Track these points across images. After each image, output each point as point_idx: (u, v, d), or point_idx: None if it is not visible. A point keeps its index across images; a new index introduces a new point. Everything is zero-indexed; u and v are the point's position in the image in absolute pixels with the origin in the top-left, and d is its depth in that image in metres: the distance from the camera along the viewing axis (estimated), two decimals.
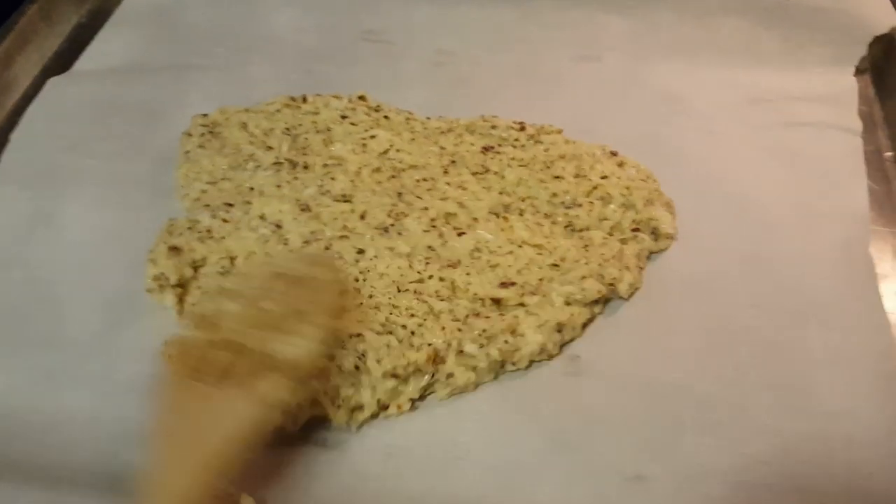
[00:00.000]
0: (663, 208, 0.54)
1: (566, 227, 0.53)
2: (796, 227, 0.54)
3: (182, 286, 0.50)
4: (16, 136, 0.60)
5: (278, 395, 0.41)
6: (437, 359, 0.45)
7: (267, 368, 0.41)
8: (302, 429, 0.44)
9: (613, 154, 0.57)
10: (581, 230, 0.53)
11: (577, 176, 0.55)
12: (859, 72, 0.65)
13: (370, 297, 0.48)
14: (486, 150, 0.57)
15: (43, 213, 0.55)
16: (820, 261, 0.52)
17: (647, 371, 0.47)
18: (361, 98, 0.61)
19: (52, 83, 0.65)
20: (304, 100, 0.61)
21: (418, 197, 0.54)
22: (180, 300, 0.49)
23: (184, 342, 0.44)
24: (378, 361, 0.44)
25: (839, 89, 0.63)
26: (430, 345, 0.45)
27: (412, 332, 0.46)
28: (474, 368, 0.46)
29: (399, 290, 0.48)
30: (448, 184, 0.55)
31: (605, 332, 0.49)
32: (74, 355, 0.48)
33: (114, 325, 0.49)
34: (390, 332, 0.46)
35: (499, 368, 0.47)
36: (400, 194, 0.54)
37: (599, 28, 0.68)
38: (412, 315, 0.47)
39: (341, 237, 0.52)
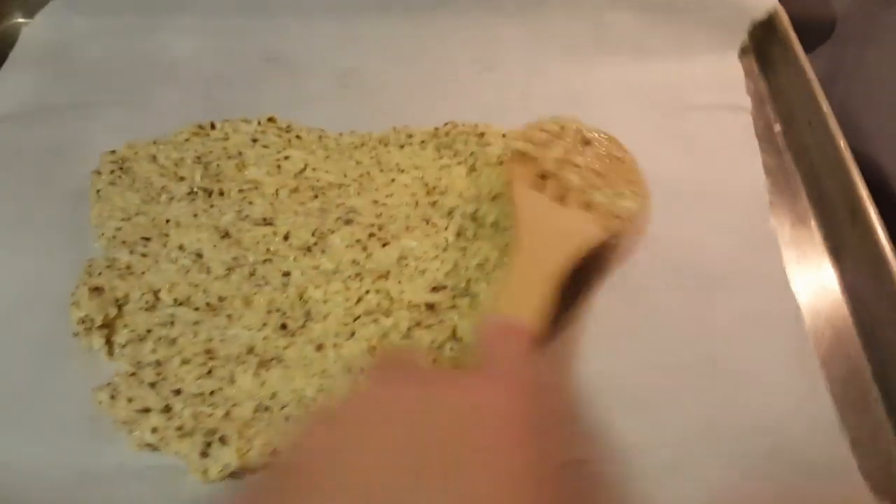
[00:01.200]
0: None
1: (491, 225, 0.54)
2: (698, 207, 0.57)
3: (108, 326, 0.49)
4: None
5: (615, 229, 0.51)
6: None
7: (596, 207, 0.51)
8: None
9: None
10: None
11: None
12: (744, 53, 0.69)
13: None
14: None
15: None
16: (723, 236, 0.55)
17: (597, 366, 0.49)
18: (271, 120, 0.62)
19: None
20: (213, 126, 0.61)
21: (338, 215, 0.55)
22: (108, 340, 0.49)
23: (524, 151, 0.53)
24: None
25: (725, 71, 0.67)
26: None
27: None
28: None
29: (345, 325, 0.49)
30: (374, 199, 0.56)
31: None
32: (5, 405, 0.47)
33: (42, 370, 0.49)
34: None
35: None
36: (322, 211, 0.55)
37: (495, 35, 0.70)
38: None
39: (265, 261, 0.52)
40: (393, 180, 0.57)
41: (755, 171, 0.59)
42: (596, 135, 0.56)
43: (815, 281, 0.54)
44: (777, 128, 0.64)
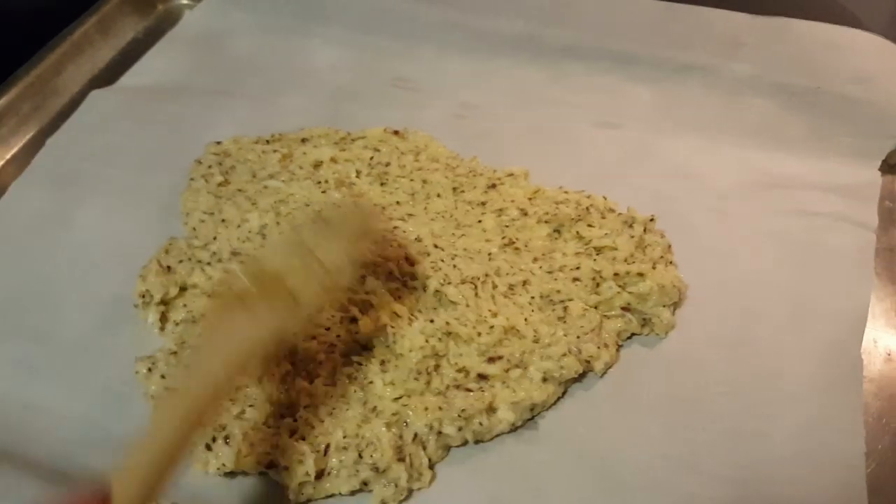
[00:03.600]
0: (665, 301, 0.52)
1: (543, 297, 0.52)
2: (789, 319, 0.53)
3: (166, 304, 0.52)
4: (51, 141, 0.64)
5: (278, 314, 0.41)
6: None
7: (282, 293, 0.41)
8: None
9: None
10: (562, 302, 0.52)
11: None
12: (889, 167, 0.64)
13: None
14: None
15: (58, 216, 0.59)
16: (805, 355, 0.51)
17: (603, 447, 0.47)
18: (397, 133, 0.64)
19: (94, 95, 0.68)
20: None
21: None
22: (163, 317, 0.52)
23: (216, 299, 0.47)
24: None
25: (860, 182, 0.61)
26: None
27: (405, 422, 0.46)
28: (446, 447, 0.47)
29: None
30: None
31: (569, 401, 0.49)
32: (57, 353, 0.51)
33: (100, 330, 0.52)
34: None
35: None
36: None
37: (625, 97, 0.68)
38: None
39: None
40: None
41: (862, 295, 0.54)
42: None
43: (894, 420, 0.49)
44: None
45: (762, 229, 0.58)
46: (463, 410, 0.46)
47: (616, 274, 0.52)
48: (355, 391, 0.47)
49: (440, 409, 0.46)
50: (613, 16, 0.69)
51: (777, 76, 0.67)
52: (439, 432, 0.46)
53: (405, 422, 0.46)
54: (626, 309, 0.52)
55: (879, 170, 0.63)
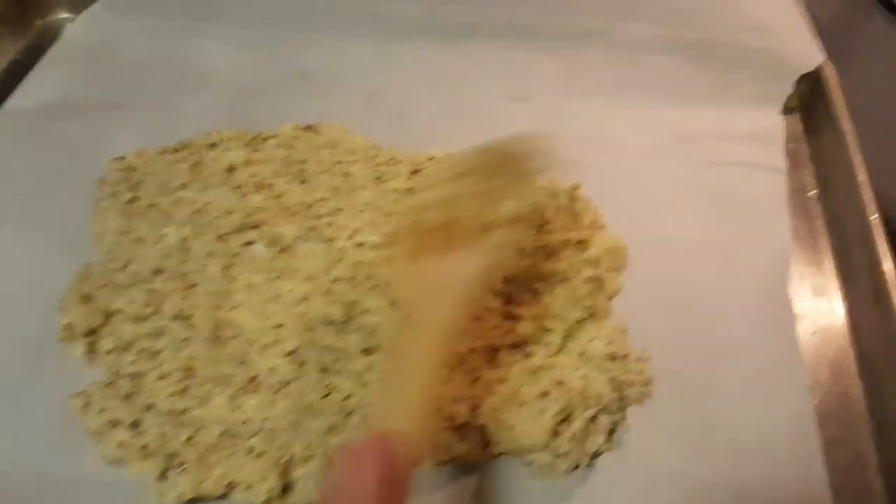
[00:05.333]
0: (615, 264, 0.53)
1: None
2: (718, 270, 0.54)
3: (92, 334, 0.49)
4: None
5: (504, 240, 0.43)
6: None
7: (486, 229, 0.43)
8: None
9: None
10: None
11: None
12: (788, 110, 0.66)
13: None
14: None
15: None
16: (738, 303, 0.52)
17: None
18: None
19: None
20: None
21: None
22: (90, 348, 0.49)
23: (403, 232, 0.46)
24: None
25: (765, 128, 0.64)
26: None
27: None
28: None
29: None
30: None
31: None
32: None
33: (25, 373, 0.49)
34: None
35: None
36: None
37: (532, 68, 0.69)
38: None
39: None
40: None
41: (780, 235, 0.56)
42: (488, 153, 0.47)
43: (829, 352, 0.51)
44: (812, 193, 0.61)
45: (681, 184, 0.60)
46: None
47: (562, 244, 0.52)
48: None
49: None
50: None
51: (674, 32, 0.68)
52: None
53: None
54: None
55: (782, 113, 0.65)
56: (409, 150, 0.61)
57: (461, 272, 0.42)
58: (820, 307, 0.53)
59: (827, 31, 0.69)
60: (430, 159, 0.59)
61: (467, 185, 0.44)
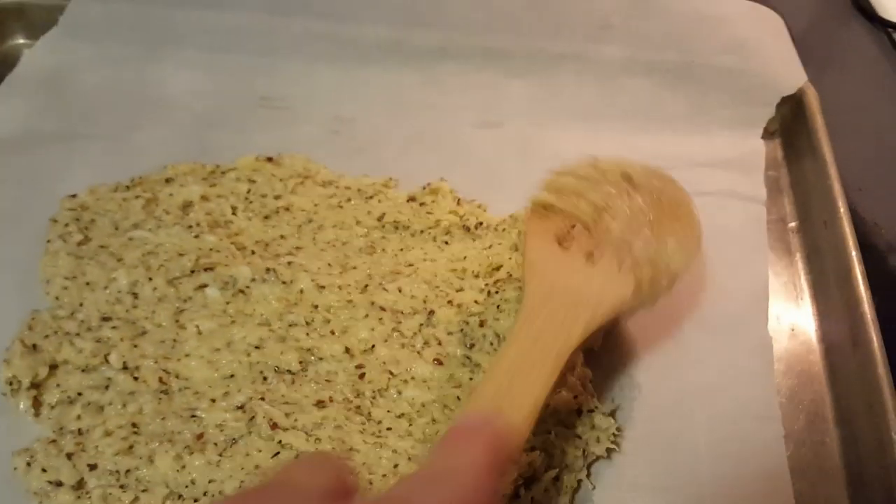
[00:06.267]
0: None
1: None
2: (693, 306, 0.52)
3: (37, 386, 0.47)
4: None
5: (654, 290, 0.42)
6: None
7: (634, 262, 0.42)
8: None
9: None
10: None
11: None
12: (769, 134, 0.64)
13: None
14: None
15: None
16: (714, 342, 0.50)
17: None
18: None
19: None
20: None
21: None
22: (35, 402, 0.47)
23: (546, 204, 0.46)
24: None
25: (744, 153, 0.62)
26: None
27: None
28: None
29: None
30: None
31: None
32: None
33: None
34: None
35: None
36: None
37: (502, 93, 0.66)
38: None
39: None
40: None
41: (758, 272, 0.54)
42: (645, 175, 0.48)
43: (805, 398, 0.49)
44: (792, 225, 0.58)
45: None
46: None
47: None
48: None
49: None
50: (478, 11, 0.66)
51: (649, 54, 0.66)
52: None
53: None
54: None
55: (762, 138, 0.63)
56: (375, 179, 0.59)
57: (603, 293, 0.41)
58: (797, 349, 0.51)
59: (804, 40, 0.68)
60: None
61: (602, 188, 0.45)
